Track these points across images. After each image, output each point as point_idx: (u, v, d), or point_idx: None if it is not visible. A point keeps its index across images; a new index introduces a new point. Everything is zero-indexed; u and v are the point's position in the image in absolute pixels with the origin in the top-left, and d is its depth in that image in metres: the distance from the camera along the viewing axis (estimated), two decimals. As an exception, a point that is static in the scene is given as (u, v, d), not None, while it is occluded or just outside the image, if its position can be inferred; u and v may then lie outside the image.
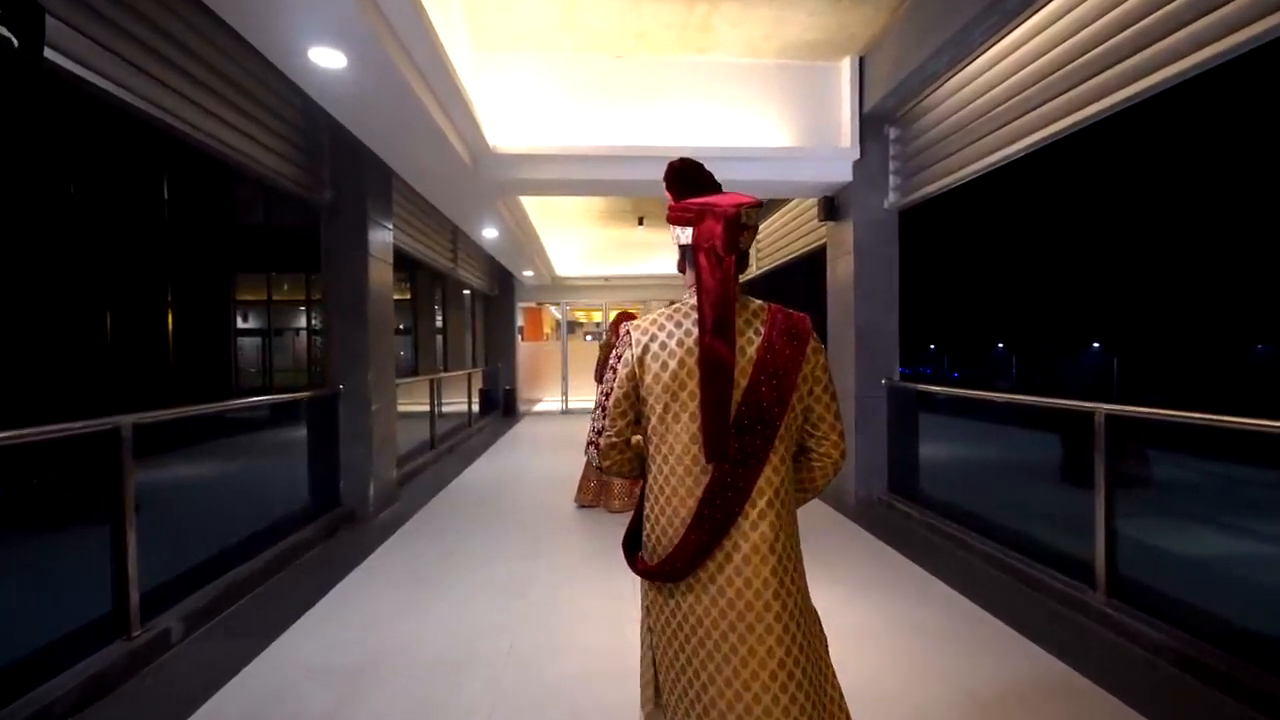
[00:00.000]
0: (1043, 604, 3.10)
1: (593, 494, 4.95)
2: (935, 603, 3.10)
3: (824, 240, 5.65)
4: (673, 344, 1.24)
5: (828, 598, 3.15)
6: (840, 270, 5.24)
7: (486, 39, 4.52)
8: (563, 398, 13.11)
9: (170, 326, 11.97)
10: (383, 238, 4.98)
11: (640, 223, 10.05)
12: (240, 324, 14.07)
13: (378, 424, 4.82)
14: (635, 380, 1.27)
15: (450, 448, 7.87)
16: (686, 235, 1.29)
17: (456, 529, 4.42)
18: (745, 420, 1.19)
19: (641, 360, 1.26)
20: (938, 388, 4.78)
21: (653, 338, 1.27)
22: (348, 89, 3.35)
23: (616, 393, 1.29)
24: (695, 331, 1.22)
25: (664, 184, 1.33)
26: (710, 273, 1.22)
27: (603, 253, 12.28)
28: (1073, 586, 3.04)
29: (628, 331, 1.32)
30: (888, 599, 3.13)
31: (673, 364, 1.23)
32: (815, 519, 4.65)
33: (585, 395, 12.80)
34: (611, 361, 1.33)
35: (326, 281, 4.67)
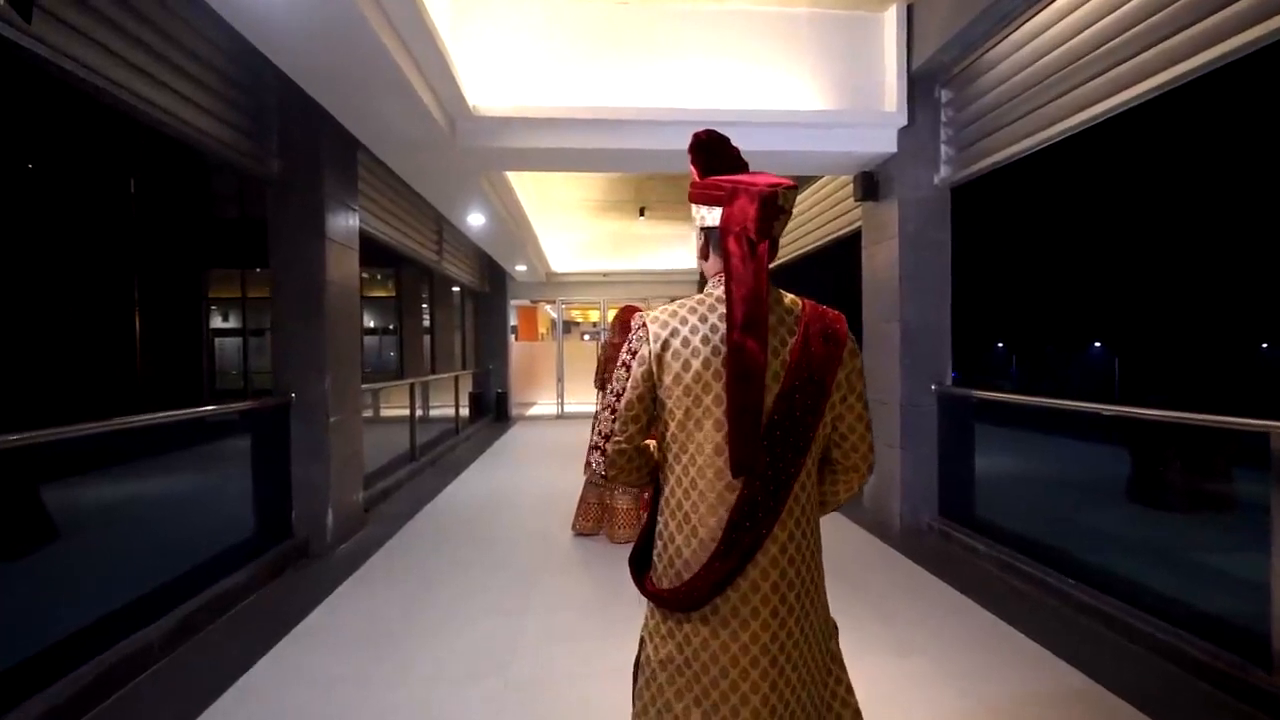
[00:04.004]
0: (1184, 682, 2.37)
1: (593, 520, 4.20)
2: (1053, 689, 2.36)
3: (858, 224, 4.93)
4: (696, 340, 1.12)
5: (897, 671, 2.41)
6: (880, 258, 4.51)
7: (465, -21, 3.78)
8: (558, 401, 12.37)
9: (138, 327, 11.19)
10: (346, 220, 4.22)
11: (641, 213, 9.33)
12: (220, 323, 13.32)
13: (338, 439, 4.07)
14: (652, 380, 1.14)
15: (433, 459, 7.11)
16: (714, 217, 1.14)
17: (429, 567, 3.67)
18: (778, 430, 1.08)
19: (660, 358, 1.13)
20: (1008, 395, 4.04)
21: (674, 332, 1.13)
22: (280, 15, 2.60)
23: (630, 394, 1.16)
24: (722, 327, 1.10)
25: (688, 157, 1.19)
26: (742, 260, 1.09)
27: (601, 247, 11.57)
28: (1226, 662, 2.32)
29: (643, 324, 1.17)
30: (983, 677, 2.40)
31: (696, 363, 1.11)
32: (855, 548, 3.92)
33: (582, 399, 12.06)
34: (624, 357, 1.18)
35: (275, 270, 3.93)
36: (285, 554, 3.70)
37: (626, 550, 3.90)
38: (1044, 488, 5.01)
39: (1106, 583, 3.00)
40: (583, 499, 4.25)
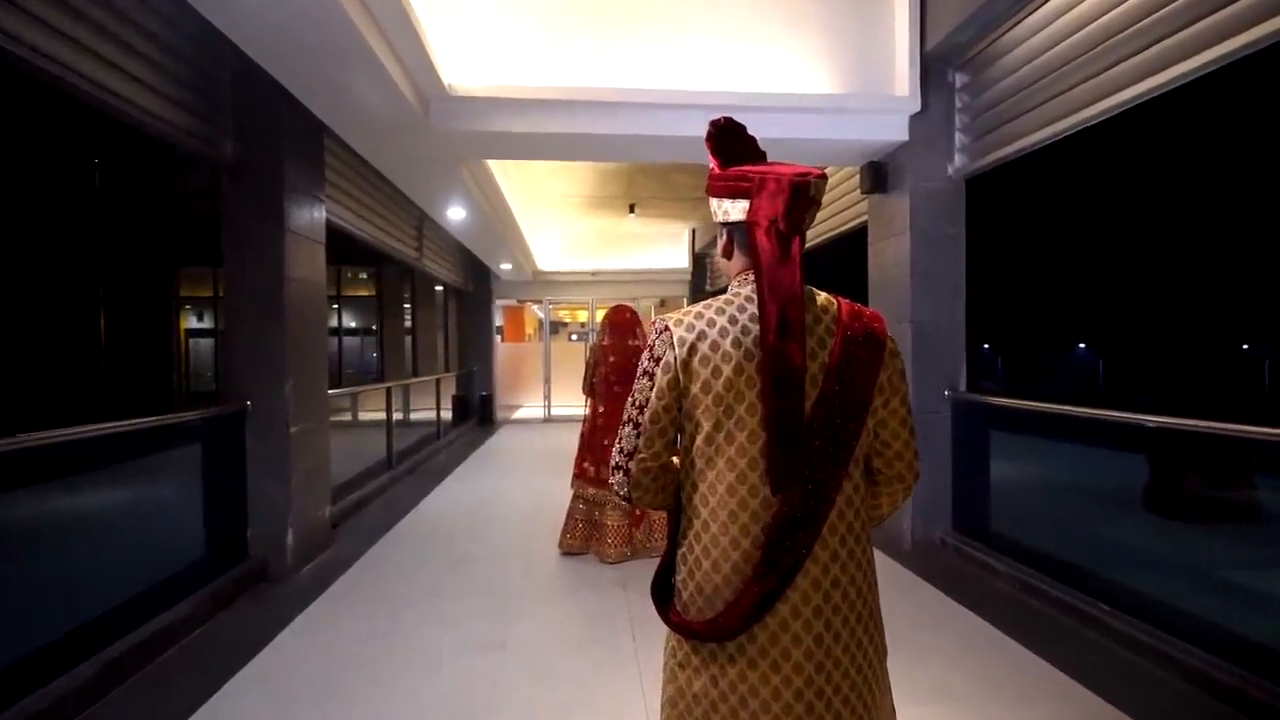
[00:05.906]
0: (1210, 708, 2.10)
1: (581, 538, 3.88)
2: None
3: (863, 219, 4.64)
4: (727, 344, 1.01)
5: (916, 717, 2.12)
6: (888, 255, 4.22)
7: (440, -55, 3.44)
8: (545, 404, 12.03)
9: (103, 327, 10.70)
10: (310, 211, 3.86)
11: (631, 210, 9.01)
12: (196, 323, 12.84)
13: (301, 450, 3.72)
14: (679, 389, 1.03)
15: (412, 466, 6.75)
16: (740, 209, 1.04)
17: (399, 593, 3.33)
18: (817, 440, 0.97)
19: (687, 364, 1.02)
20: (1029, 402, 3.75)
21: (701, 335, 1.02)
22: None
23: (655, 405, 1.04)
24: (755, 329, 1.00)
25: (707, 146, 1.08)
26: (774, 256, 1.00)
27: (589, 245, 11.25)
28: (1258, 688, 2.04)
29: (666, 327, 1.06)
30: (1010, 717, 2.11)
31: (728, 369, 1.00)
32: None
33: (569, 402, 11.72)
34: (645, 365, 1.06)
35: (229, 266, 3.56)
36: (239, 578, 3.34)
37: (616, 571, 3.59)
38: (1052, 496, 4.76)
39: (1129, 601, 2.78)
40: (570, 514, 3.93)
